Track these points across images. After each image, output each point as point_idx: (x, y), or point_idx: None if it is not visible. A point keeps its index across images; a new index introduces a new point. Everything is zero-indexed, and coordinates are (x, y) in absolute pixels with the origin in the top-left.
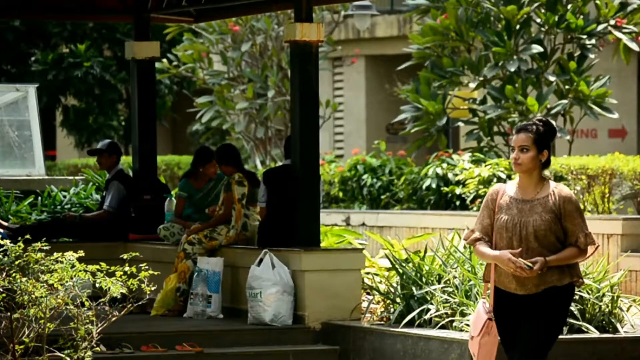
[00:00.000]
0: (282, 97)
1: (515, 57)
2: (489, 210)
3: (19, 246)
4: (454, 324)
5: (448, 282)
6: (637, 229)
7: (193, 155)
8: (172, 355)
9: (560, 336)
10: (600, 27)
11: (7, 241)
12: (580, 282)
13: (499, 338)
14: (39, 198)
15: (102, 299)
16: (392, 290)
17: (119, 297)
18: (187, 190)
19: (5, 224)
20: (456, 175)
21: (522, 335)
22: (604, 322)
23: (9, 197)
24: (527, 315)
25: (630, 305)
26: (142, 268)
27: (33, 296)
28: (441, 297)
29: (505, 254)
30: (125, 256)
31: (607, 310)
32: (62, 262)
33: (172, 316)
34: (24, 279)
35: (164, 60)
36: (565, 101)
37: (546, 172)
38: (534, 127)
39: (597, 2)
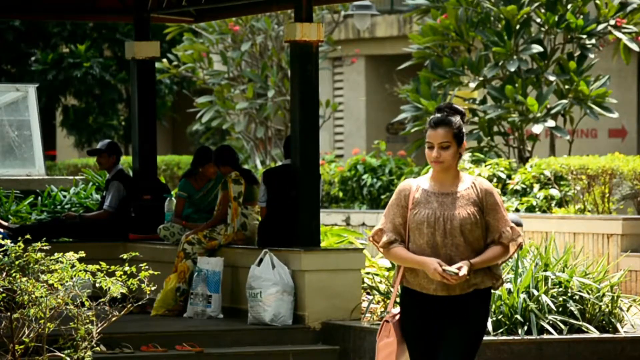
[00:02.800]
0: (282, 97)
1: (515, 57)
2: (401, 208)
3: (19, 246)
4: None
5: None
6: (637, 229)
7: (193, 155)
8: (172, 355)
9: (560, 336)
10: (600, 27)
11: (8, 241)
12: (499, 284)
13: (397, 341)
14: (39, 198)
15: (102, 299)
16: (392, 290)
17: (119, 297)
18: (186, 190)
19: (5, 223)
20: None
21: (446, 343)
22: (604, 322)
23: (9, 197)
24: (447, 320)
25: (631, 305)
26: (142, 268)
27: (33, 296)
28: None
29: (432, 263)
30: (125, 256)
31: (607, 310)
32: (62, 262)
33: (172, 316)
34: (24, 279)
35: (164, 60)
36: (565, 101)
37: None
38: (453, 119)
39: (597, 2)
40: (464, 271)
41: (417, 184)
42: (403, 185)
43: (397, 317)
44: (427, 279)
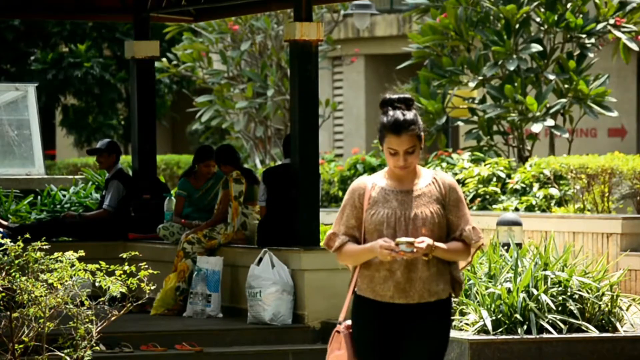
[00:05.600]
0: (281, 97)
1: (514, 56)
2: (355, 209)
3: (19, 245)
4: (453, 323)
5: None
6: (636, 228)
7: (192, 154)
8: (172, 354)
9: (560, 335)
10: (600, 26)
11: (7, 240)
12: (459, 290)
13: (348, 354)
14: (39, 197)
15: (102, 298)
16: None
17: (118, 296)
18: (186, 189)
19: (5, 223)
20: (456, 174)
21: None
22: (603, 321)
23: (8, 197)
24: (407, 333)
25: (630, 305)
26: (142, 267)
27: (33, 295)
28: None
29: (377, 243)
30: (124, 255)
31: (606, 309)
32: (61, 262)
33: (172, 315)
34: (23, 278)
35: (164, 59)
36: (564, 100)
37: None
38: (413, 117)
39: (597, 1)
40: (424, 245)
41: (373, 182)
42: (357, 183)
43: (350, 327)
44: (382, 285)
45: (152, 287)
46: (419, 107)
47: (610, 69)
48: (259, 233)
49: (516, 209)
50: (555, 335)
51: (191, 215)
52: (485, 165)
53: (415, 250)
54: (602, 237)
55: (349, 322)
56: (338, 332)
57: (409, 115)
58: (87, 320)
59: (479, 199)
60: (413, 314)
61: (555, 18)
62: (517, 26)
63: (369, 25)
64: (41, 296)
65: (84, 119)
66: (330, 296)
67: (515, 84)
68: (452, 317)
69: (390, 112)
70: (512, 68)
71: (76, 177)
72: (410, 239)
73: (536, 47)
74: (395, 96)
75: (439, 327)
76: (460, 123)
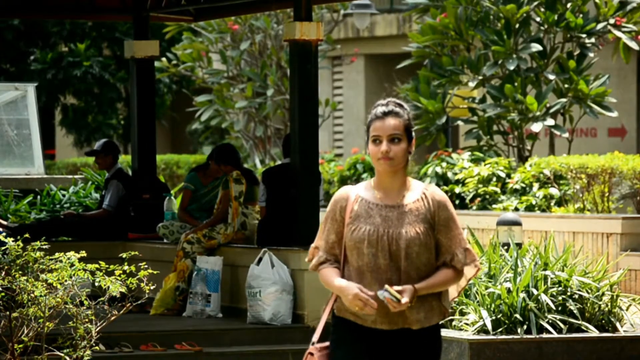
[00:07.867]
0: (281, 96)
1: (514, 55)
2: (336, 223)
3: (18, 245)
4: (453, 323)
5: None
6: (636, 228)
7: (192, 154)
8: (172, 354)
9: (560, 335)
10: (600, 26)
11: (10, 239)
12: (447, 314)
13: None
14: (38, 197)
15: (101, 298)
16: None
17: (118, 296)
18: (194, 183)
19: (5, 223)
20: (455, 174)
21: None
22: (603, 321)
23: (8, 196)
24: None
25: (630, 304)
26: (142, 267)
27: (32, 295)
28: None
29: (351, 288)
30: (124, 255)
31: (606, 309)
32: (61, 262)
33: (171, 315)
34: (23, 278)
35: (163, 59)
36: (564, 100)
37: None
38: (404, 109)
39: (597, 1)
40: (405, 299)
41: (357, 193)
42: (339, 194)
43: (324, 350)
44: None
45: (152, 287)
46: (419, 107)
47: (610, 68)
48: (258, 233)
49: (516, 209)
50: (555, 335)
51: (193, 213)
52: (485, 165)
53: (402, 302)
54: (602, 237)
55: (324, 344)
56: (311, 354)
57: (399, 108)
58: (86, 320)
59: (478, 199)
60: (397, 343)
61: (555, 18)
62: (517, 26)
63: (369, 25)
64: (41, 296)
65: (84, 118)
66: None
67: (515, 84)
68: (442, 343)
69: (381, 107)
70: (512, 68)
71: (76, 176)
72: (398, 296)
73: (536, 47)
74: (388, 99)
75: (425, 357)
76: (460, 123)
